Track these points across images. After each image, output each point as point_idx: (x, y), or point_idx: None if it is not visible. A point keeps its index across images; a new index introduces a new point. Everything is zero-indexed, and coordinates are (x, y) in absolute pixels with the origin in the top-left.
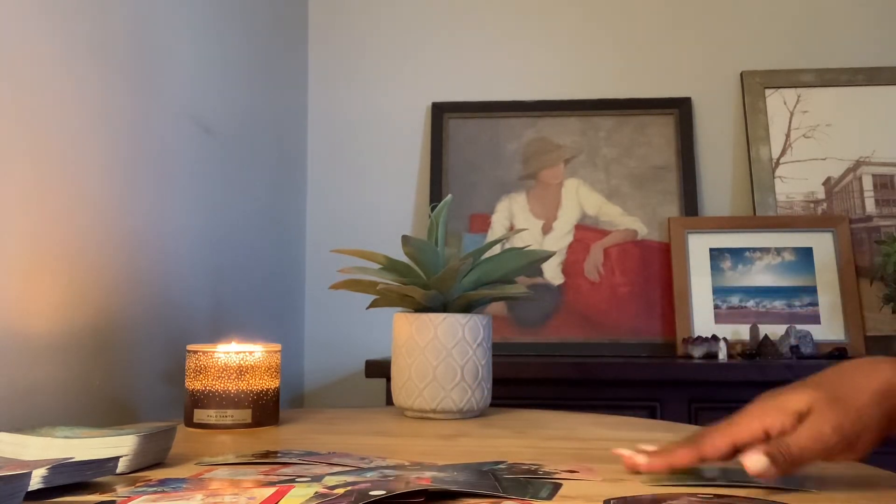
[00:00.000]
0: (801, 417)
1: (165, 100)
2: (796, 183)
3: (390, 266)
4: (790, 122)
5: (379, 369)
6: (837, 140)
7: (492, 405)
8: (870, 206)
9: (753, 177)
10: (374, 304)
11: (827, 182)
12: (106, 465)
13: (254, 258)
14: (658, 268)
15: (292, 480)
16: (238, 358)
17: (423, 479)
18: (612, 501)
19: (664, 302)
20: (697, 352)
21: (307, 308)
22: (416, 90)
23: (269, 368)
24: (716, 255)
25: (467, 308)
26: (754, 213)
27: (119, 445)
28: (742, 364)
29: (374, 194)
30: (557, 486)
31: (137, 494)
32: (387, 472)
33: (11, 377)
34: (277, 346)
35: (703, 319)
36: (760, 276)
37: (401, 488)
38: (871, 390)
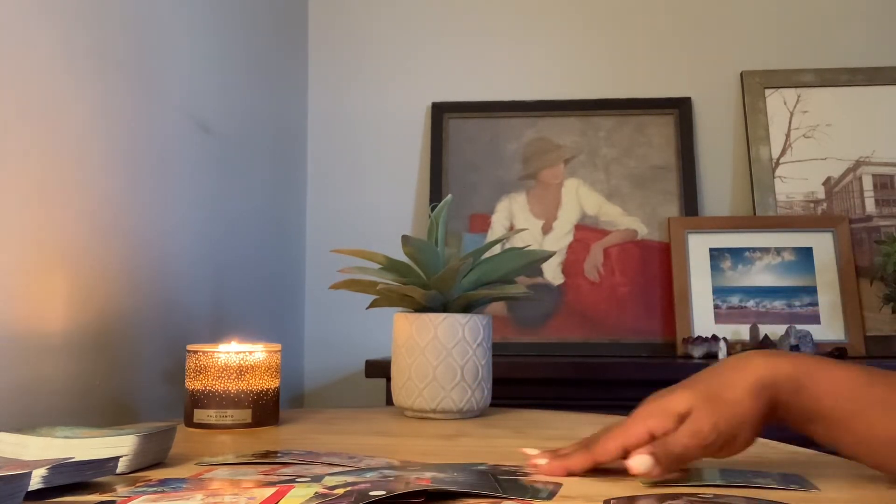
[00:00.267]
0: (681, 418)
1: (165, 99)
2: (796, 183)
3: (390, 266)
4: (790, 122)
5: (379, 369)
6: (837, 140)
7: (492, 405)
8: (870, 206)
9: (753, 177)
10: (374, 304)
11: (827, 182)
12: (106, 465)
13: (254, 258)
14: (658, 268)
15: (292, 480)
16: (238, 358)
17: (423, 480)
18: (612, 501)
19: (664, 302)
20: (697, 352)
21: (307, 308)
22: (416, 90)
23: (269, 368)
24: (716, 255)
25: (467, 308)
26: (754, 213)
27: (119, 445)
28: None
29: (374, 194)
30: (557, 486)
31: (137, 494)
32: (386, 472)
33: (11, 377)
34: (277, 346)
35: (703, 319)
36: (760, 276)
37: (401, 488)
38: (744, 385)
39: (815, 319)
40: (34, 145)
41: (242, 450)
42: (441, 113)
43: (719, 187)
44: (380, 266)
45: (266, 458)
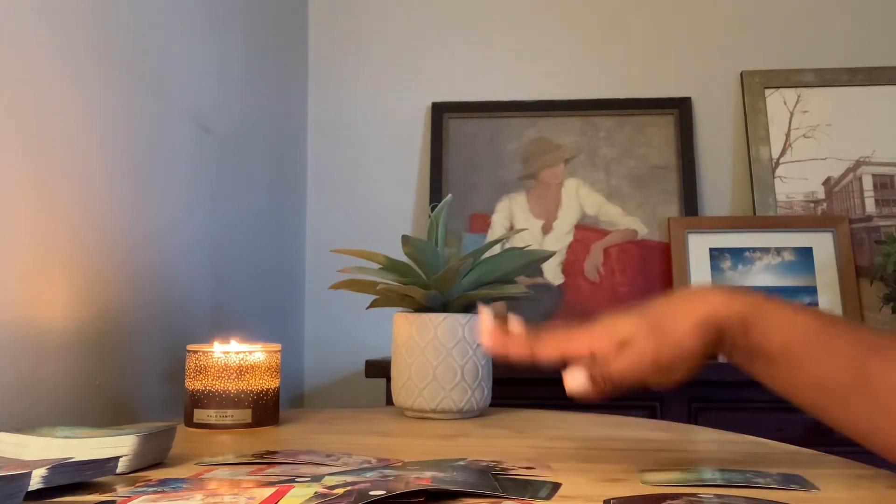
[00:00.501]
0: (623, 344)
1: (165, 99)
2: (796, 183)
3: (390, 266)
4: (790, 122)
5: (379, 369)
6: (837, 140)
7: (492, 405)
8: (870, 206)
9: (753, 177)
10: (374, 304)
11: (827, 182)
12: (106, 465)
13: (254, 258)
14: (658, 268)
15: (292, 480)
16: (238, 358)
17: (423, 479)
18: (612, 501)
19: None
20: None
21: (307, 308)
22: (416, 90)
23: (269, 368)
24: (716, 255)
25: (467, 308)
26: (754, 213)
27: (119, 445)
28: None
29: (374, 194)
30: (557, 486)
31: (137, 494)
32: (386, 472)
33: (11, 377)
34: (277, 346)
35: None
36: (760, 276)
37: (401, 488)
38: (693, 320)
39: None
40: (33, 145)
41: (242, 450)
42: (441, 113)
43: (719, 187)
44: (380, 266)
45: (265, 458)
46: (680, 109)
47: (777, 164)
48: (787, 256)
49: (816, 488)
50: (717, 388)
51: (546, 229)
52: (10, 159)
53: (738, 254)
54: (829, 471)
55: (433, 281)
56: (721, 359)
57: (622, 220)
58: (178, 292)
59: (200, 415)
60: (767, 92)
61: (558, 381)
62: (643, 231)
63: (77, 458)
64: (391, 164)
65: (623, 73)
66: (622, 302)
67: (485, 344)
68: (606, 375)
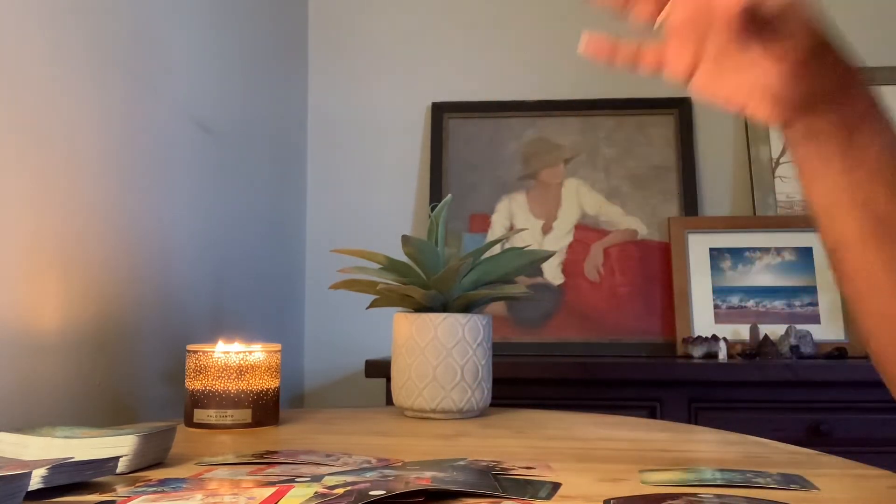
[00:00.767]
0: None
1: (165, 99)
2: (796, 183)
3: (390, 266)
4: None
5: (379, 369)
6: None
7: (492, 405)
8: None
9: (753, 177)
10: (374, 304)
11: None
12: (106, 465)
13: (254, 258)
14: (658, 268)
15: (292, 480)
16: (238, 358)
17: (423, 479)
18: (612, 501)
19: (664, 302)
20: (697, 352)
21: (307, 308)
22: (416, 90)
23: (269, 368)
24: (716, 254)
25: (467, 308)
26: (754, 213)
27: (119, 445)
28: (742, 364)
29: (374, 194)
30: (557, 486)
31: (137, 494)
32: (386, 471)
33: (12, 377)
34: (277, 346)
35: (703, 319)
36: (760, 275)
37: (401, 488)
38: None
39: (815, 319)
40: (33, 145)
41: (242, 450)
42: (441, 113)
43: (719, 187)
44: (380, 266)
45: (265, 458)
46: (680, 109)
47: (777, 163)
48: (787, 256)
49: (816, 488)
50: (717, 388)
51: (546, 229)
52: (10, 159)
53: (738, 254)
54: (829, 471)
55: (433, 281)
56: (721, 358)
57: (622, 219)
58: (178, 292)
59: (200, 415)
60: None
61: (558, 382)
62: (643, 231)
63: (77, 458)
64: (391, 163)
65: (623, 73)
66: (622, 302)
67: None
68: None
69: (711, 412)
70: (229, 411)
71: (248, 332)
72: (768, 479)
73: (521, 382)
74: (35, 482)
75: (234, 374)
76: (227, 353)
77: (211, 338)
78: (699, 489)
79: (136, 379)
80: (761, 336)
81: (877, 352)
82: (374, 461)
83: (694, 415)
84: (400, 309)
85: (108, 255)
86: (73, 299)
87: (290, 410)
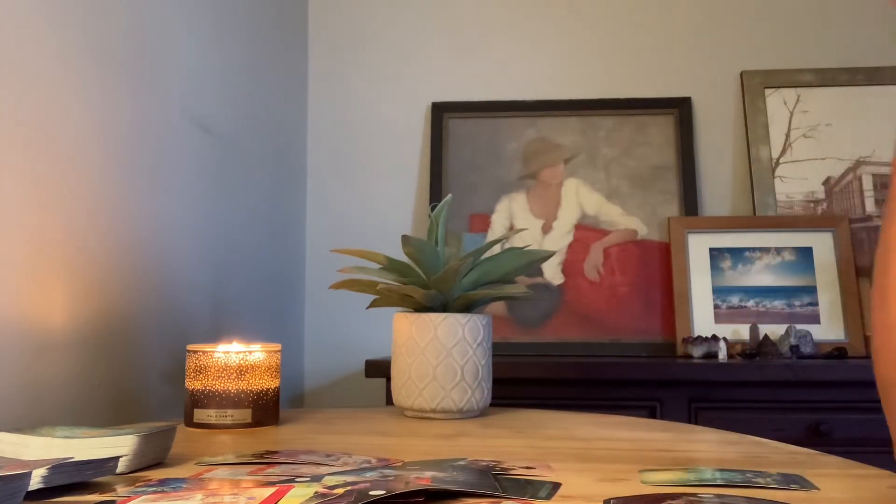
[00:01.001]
0: None
1: (165, 100)
2: (796, 183)
3: (390, 266)
4: (790, 122)
5: (379, 369)
6: (837, 140)
7: (492, 405)
8: (870, 206)
9: (753, 177)
10: (374, 304)
11: (827, 182)
12: (106, 465)
13: (254, 258)
14: (658, 268)
15: (292, 480)
16: (238, 358)
17: (423, 479)
18: (612, 501)
19: (664, 302)
20: (697, 351)
21: (307, 308)
22: (416, 90)
23: (269, 368)
24: (716, 254)
25: (467, 308)
26: (754, 213)
27: (119, 445)
28: (742, 364)
29: (374, 194)
30: (557, 486)
31: (137, 494)
32: (386, 471)
33: (12, 377)
34: (277, 346)
35: (703, 319)
36: (760, 275)
37: (400, 488)
38: None
39: (815, 319)
40: (34, 145)
41: (242, 450)
42: (441, 113)
43: (719, 187)
44: (380, 266)
45: (264, 458)
46: (680, 109)
47: (777, 163)
48: (787, 256)
49: (816, 488)
50: (717, 388)
51: (546, 229)
52: (11, 159)
53: (738, 254)
54: (829, 471)
55: (433, 281)
56: (721, 358)
57: (622, 219)
58: (178, 292)
59: (200, 415)
60: (767, 92)
61: (558, 382)
62: (643, 231)
63: (77, 458)
64: (391, 164)
65: (623, 73)
66: (622, 302)
67: None
68: None
69: (711, 412)
70: (229, 411)
71: (248, 331)
72: (768, 479)
73: (521, 382)
74: (35, 482)
75: (234, 374)
76: (227, 353)
77: (211, 338)
78: (699, 489)
79: (136, 379)
80: (761, 336)
81: None
82: (374, 461)
83: (694, 415)
84: (400, 309)
85: (108, 255)
86: (73, 299)
87: (290, 410)
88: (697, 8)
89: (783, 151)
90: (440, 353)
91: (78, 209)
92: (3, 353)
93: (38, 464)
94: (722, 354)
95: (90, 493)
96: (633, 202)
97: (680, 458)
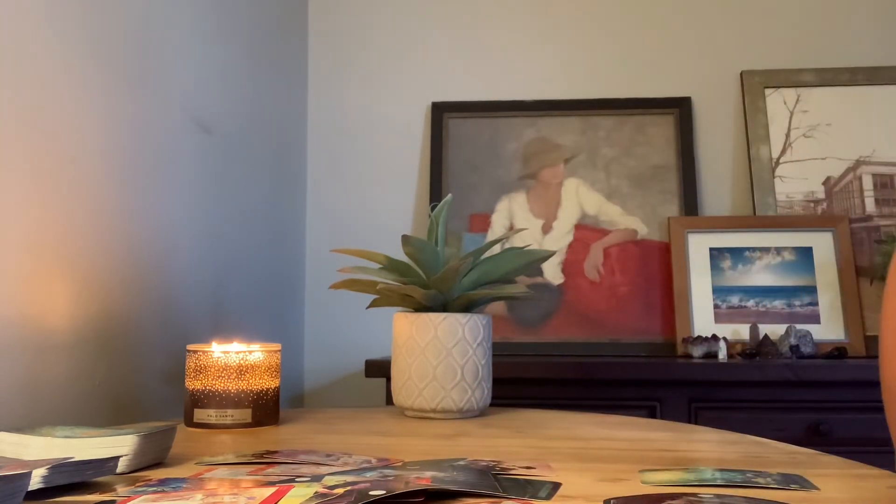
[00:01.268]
0: None
1: (166, 100)
2: (796, 182)
3: (390, 266)
4: (790, 122)
5: (379, 369)
6: (837, 140)
7: (492, 405)
8: (870, 206)
9: (753, 176)
10: (374, 304)
11: (827, 182)
12: (106, 465)
13: (254, 258)
14: (658, 268)
15: (292, 480)
16: (238, 358)
17: (423, 479)
18: (612, 501)
19: (664, 302)
20: (697, 351)
21: (307, 308)
22: (416, 90)
23: (269, 368)
24: (716, 254)
25: (467, 308)
26: (754, 213)
27: (119, 445)
28: (742, 364)
29: (374, 194)
30: (557, 486)
31: (137, 494)
32: (386, 471)
33: (12, 377)
34: (277, 346)
35: (703, 319)
36: (760, 275)
37: (400, 488)
38: None
39: (815, 319)
40: (34, 145)
41: (242, 450)
42: (441, 113)
43: (719, 187)
44: (380, 266)
45: (264, 458)
46: (680, 109)
47: (777, 163)
48: (787, 256)
49: (816, 488)
50: (717, 388)
51: (546, 229)
52: (11, 159)
53: (738, 253)
54: (829, 471)
55: (433, 281)
56: (721, 358)
57: (622, 219)
58: (178, 292)
59: (200, 415)
60: (767, 92)
61: (558, 381)
62: (643, 231)
63: (77, 458)
64: (391, 164)
65: (623, 73)
66: (622, 302)
67: None
68: None
69: (711, 412)
70: (229, 411)
71: (248, 331)
72: (768, 479)
73: (521, 382)
74: (35, 482)
75: (234, 374)
76: (227, 353)
77: (211, 338)
78: (699, 489)
79: (136, 379)
80: (761, 336)
81: None
82: (374, 461)
83: (694, 415)
84: (400, 309)
85: (108, 254)
86: (73, 299)
87: (290, 410)
88: (697, 8)
89: (783, 151)
90: (440, 353)
91: (78, 209)
92: (3, 353)
93: (38, 464)
94: (722, 354)
95: (90, 493)
96: (633, 202)
97: (680, 458)
